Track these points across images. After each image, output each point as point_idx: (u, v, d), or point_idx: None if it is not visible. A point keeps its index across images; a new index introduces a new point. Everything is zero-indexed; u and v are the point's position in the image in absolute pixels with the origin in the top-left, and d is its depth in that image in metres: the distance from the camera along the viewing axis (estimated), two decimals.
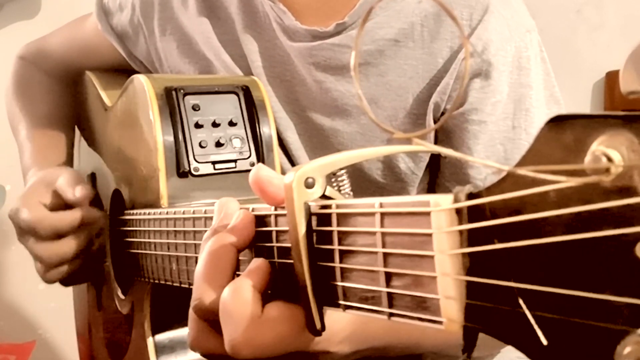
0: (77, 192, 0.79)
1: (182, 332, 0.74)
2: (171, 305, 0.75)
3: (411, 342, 0.56)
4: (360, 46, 0.73)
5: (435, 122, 0.72)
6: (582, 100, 1.48)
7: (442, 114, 0.72)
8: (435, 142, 0.73)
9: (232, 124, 0.71)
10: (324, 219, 0.38)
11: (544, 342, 0.25)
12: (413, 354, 0.59)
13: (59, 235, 0.80)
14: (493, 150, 0.71)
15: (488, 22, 0.69)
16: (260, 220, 0.45)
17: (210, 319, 0.44)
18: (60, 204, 0.82)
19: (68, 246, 0.81)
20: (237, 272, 0.45)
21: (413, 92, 0.72)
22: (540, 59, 0.72)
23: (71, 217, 0.80)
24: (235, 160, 0.70)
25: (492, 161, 0.72)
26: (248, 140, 0.71)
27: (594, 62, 1.45)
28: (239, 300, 0.40)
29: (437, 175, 0.76)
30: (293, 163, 0.78)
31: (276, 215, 0.43)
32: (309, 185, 0.38)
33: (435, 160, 0.75)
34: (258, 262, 0.43)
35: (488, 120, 0.70)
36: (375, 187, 0.75)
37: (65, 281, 0.87)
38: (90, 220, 0.81)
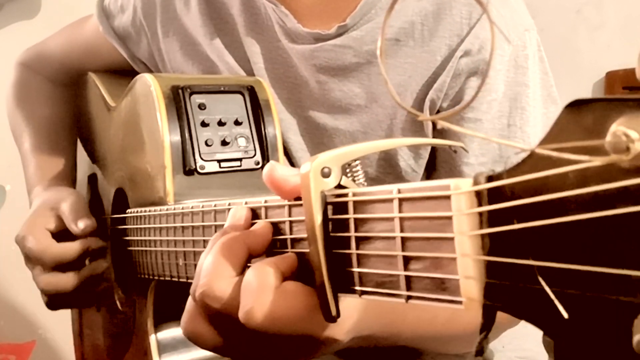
0: (80, 224, 0.83)
1: None
2: (174, 304, 0.75)
3: (392, 332, 0.56)
4: (361, 46, 0.74)
5: (431, 120, 0.73)
6: None
7: (438, 111, 0.73)
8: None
9: (237, 123, 0.71)
10: (340, 207, 0.39)
11: (565, 315, 0.26)
12: (392, 345, 0.59)
13: (63, 265, 0.83)
14: (488, 148, 0.71)
15: (486, 20, 0.70)
16: (274, 209, 0.46)
17: (214, 308, 0.44)
18: (64, 229, 0.85)
19: (69, 280, 0.83)
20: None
21: (412, 90, 0.73)
22: (538, 58, 0.73)
23: (75, 247, 0.83)
24: (240, 159, 0.71)
25: (486, 158, 0.73)
26: (253, 139, 0.72)
27: (594, 62, 1.46)
28: (259, 272, 0.41)
29: (432, 173, 0.77)
30: (294, 165, 0.79)
31: (290, 206, 0.44)
32: (325, 174, 0.39)
33: (432, 159, 0.76)
34: (289, 253, 0.44)
35: (483, 118, 0.71)
36: (375, 184, 0.76)
37: (70, 307, 0.92)
38: (93, 249, 0.84)
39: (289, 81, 0.78)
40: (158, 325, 0.74)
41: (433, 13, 0.72)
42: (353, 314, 0.45)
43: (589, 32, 1.47)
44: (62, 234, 0.85)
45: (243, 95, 0.73)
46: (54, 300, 0.87)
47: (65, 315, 1.08)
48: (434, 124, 0.73)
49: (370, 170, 0.76)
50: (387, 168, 0.75)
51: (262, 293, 0.41)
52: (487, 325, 0.30)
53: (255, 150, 0.72)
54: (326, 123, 0.77)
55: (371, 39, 0.73)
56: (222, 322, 0.45)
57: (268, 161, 0.72)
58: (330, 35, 0.74)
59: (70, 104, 1.05)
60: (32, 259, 0.85)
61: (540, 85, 0.73)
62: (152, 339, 0.74)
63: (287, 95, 0.79)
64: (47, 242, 0.84)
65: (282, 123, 0.78)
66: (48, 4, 1.59)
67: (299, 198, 0.43)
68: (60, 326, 1.19)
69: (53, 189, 0.93)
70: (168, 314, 0.75)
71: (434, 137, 0.74)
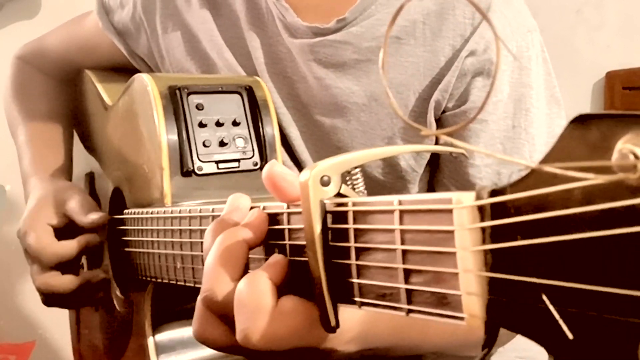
0: (91, 216, 0.81)
1: (182, 332, 0.74)
2: (172, 305, 0.75)
3: (414, 343, 0.56)
4: (361, 43, 0.73)
5: (436, 120, 0.73)
6: (582, 100, 1.48)
7: (444, 112, 0.72)
8: (437, 141, 0.74)
9: (235, 123, 0.71)
10: (340, 217, 0.38)
11: (570, 336, 0.25)
12: (415, 354, 0.59)
13: (61, 264, 0.82)
14: (493, 149, 0.71)
15: (490, 21, 0.69)
16: (273, 218, 0.45)
17: (220, 312, 0.45)
18: (68, 226, 0.83)
19: (65, 283, 0.83)
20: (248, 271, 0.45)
21: (414, 89, 0.72)
22: (541, 60, 0.73)
23: (74, 246, 0.82)
24: (238, 160, 0.70)
25: (492, 160, 0.73)
26: (251, 140, 0.71)
27: (594, 62, 1.46)
28: (254, 291, 0.41)
29: (436, 173, 0.76)
30: (296, 159, 0.78)
31: (289, 213, 0.43)
32: (325, 183, 0.39)
33: (434, 158, 0.76)
34: (277, 258, 0.43)
35: (489, 119, 0.71)
36: (376, 184, 0.76)
37: (66, 308, 0.91)
38: (93, 245, 0.83)
39: (288, 76, 0.78)
40: (156, 326, 0.74)
41: (436, 13, 0.71)
42: (354, 326, 0.45)
43: (589, 32, 1.46)
44: (64, 230, 0.84)
45: (241, 95, 0.73)
46: (50, 299, 0.86)
47: (65, 315, 1.08)
48: (438, 123, 0.73)
49: (370, 170, 0.75)
50: (387, 168, 0.75)
51: (257, 315, 0.41)
52: (490, 342, 0.29)
53: (253, 151, 0.71)
54: (324, 121, 0.76)
55: (371, 35, 0.72)
56: (231, 321, 0.45)
57: (266, 162, 0.71)
58: (329, 30, 0.74)
59: (68, 100, 1.04)
60: (30, 256, 0.84)
61: (544, 87, 0.72)
62: (150, 340, 0.73)
63: (287, 90, 0.78)
64: (48, 241, 0.82)
65: (283, 117, 0.77)
66: (48, 4, 1.58)
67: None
68: (60, 326, 1.19)
69: (53, 182, 0.91)
70: (166, 315, 0.75)
71: (437, 139, 0.74)
